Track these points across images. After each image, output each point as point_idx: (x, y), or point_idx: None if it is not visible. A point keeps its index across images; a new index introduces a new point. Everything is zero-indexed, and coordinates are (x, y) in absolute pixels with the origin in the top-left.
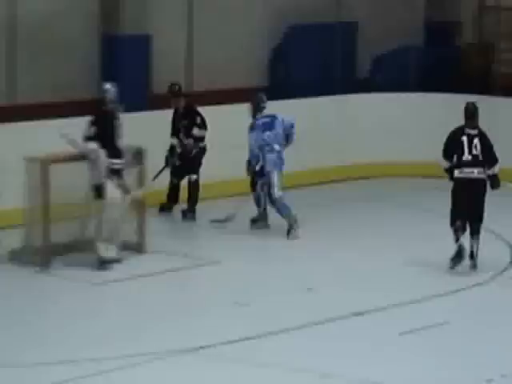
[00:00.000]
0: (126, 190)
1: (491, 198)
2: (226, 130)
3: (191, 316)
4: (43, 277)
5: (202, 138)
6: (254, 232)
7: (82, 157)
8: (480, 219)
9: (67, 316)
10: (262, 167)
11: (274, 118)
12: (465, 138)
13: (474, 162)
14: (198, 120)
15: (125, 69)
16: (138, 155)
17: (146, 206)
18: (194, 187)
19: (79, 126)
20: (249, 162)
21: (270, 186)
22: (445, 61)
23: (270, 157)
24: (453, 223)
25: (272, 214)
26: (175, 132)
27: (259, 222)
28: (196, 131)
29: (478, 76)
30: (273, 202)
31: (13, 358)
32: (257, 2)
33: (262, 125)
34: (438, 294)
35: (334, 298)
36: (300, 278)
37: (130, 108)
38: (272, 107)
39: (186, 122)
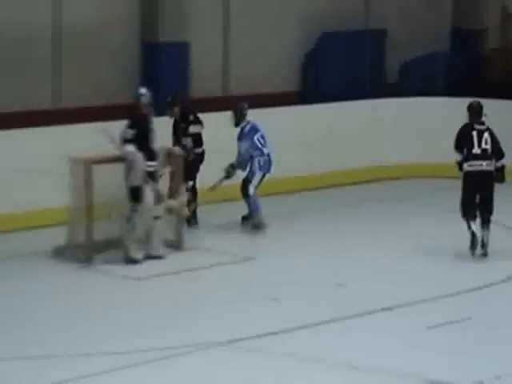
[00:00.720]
0: (160, 197)
1: None
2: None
3: (226, 310)
4: (86, 272)
5: (197, 135)
6: (286, 230)
7: (122, 158)
8: (490, 210)
9: (108, 310)
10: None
11: (252, 121)
12: (475, 133)
13: (483, 156)
14: (191, 117)
15: (164, 74)
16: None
17: (185, 207)
18: (189, 193)
19: (120, 128)
20: (232, 167)
21: (248, 181)
22: (470, 66)
23: (259, 159)
24: (464, 214)
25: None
26: (177, 140)
27: (250, 219)
28: (191, 128)
29: (502, 81)
30: (245, 196)
31: (58, 349)
32: (291, 10)
33: (249, 131)
34: (463, 289)
35: (363, 293)
36: (330, 274)
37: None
38: (304, 111)
39: (184, 125)
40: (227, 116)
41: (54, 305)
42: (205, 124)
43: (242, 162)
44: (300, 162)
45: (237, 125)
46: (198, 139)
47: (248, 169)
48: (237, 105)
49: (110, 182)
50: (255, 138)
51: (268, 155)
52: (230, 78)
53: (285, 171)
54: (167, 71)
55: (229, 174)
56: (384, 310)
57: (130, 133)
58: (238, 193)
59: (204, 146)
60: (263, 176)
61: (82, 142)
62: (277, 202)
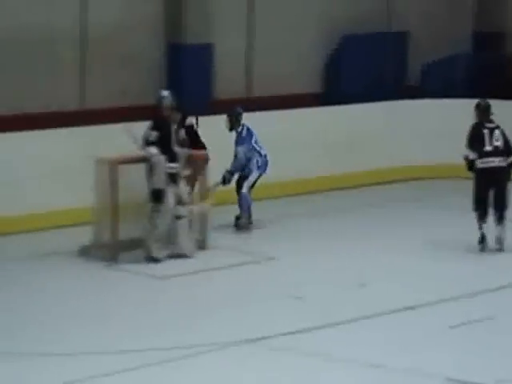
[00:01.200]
0: (181, 198)
1: None
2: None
3: (249, 309)
4: (111, 271)
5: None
6: (309, 230)
7: (146, 158)
8: (504, 205)
9: (131, 308)
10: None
11: (246, 125)
12: (486, 131)
13: (495, 152)
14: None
15: (188, 76)
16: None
17: (210, 206)
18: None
19: (143, 130)
20: (230, 173)
21: (244, 179)
22: (492, 68)
23: (257, 159)
24: (476, 209)
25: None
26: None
27: (242, 219)
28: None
29: None
30: (238, 194)
31: (78, 347)
32: (313, 12)
33: (246, 135)
34: (485, 289)
35: (386, 292)
36: (353, 273)
37: (194, 113)
38: (325, 113)
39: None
40: (250, 117)
41: (79, 303)
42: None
43: (239, 166)
44: (322, 162)
45: (231, 129)
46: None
47: (246, 168)
48: (231, 109)
49: (135, 182)
50: (252, 141)
51: (265, 156)
52: (253, 79)
53: (307, 172)
54: (191, 73)
55: (225, 179)
56: (407, 309)
57: (153, 135)
58: (261, 193)
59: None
60: (259, 176)
61: (107, 142)
62: (300, 203)
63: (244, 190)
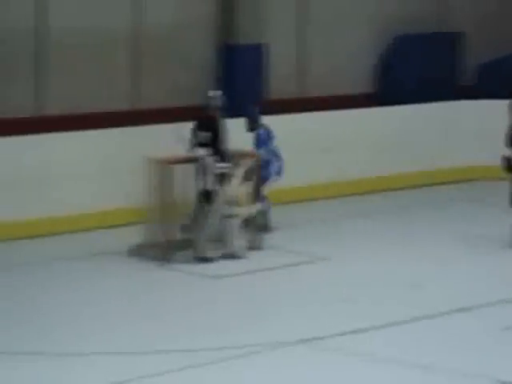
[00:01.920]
0: (231, 201)
1: None
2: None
3: (302, 309)
4: (164, 271)
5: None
6: (362, 230)
7: (197, 159)
8: None
9: (184, 308)
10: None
11: (266, 126)
12: None
13: None
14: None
15: (241, 76)
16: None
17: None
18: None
19: (192, 130)
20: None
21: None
22: None
23: (276, 164)
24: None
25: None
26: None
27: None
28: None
29: None
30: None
31: (131, 346)
32: (366, 12)
33: (266, 137)
34: None
35: (439, 293)
36: (406, 274)
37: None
38: (378, 114)
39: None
40: (303, 117)
41: (131, 302)
42: (281, 125)
43: None
44: (375, 163)
45: (251, 130)
46: None
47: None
48: (250, 109)
49: (186, 182)
50: (273, 144)
51: (283, 161)
52: (306, 79)
53: (361, 172)
54: (243, 73)
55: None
56: (459, 310)
57: (202, 136)
58: (314, 194)
59: None
60: (275, 180)
61: (159, 142)
62: (354, 203)
63: (262, 193)
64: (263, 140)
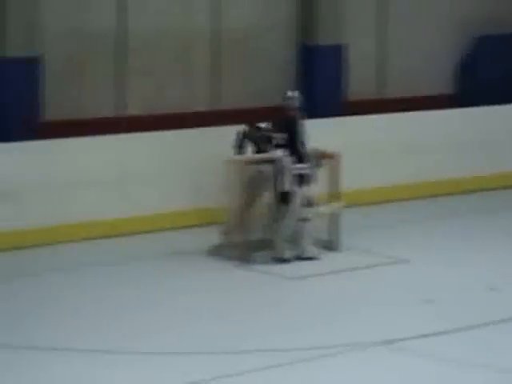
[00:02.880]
0: (309, 200)
1: None
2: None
3: (380, 311)
4: (242, 271)
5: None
6: (441, 232)
7: (274, 160)
8: None
9: (261, 308)
10: None
11: None
12: None
13: None
14: None
15: (320, 77)
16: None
17: (341, 205)
18: None
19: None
20: None
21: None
22: None
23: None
24: None
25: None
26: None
27: None
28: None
29: None
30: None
31: (208, 346)
32: (448, 12)
33: None
34: None
35: None
36: (485, 276)
37: (326, 114)
38: (459, 115)
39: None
40: (382, 119)
41: (210, 302)
42: (360, 126)
43: None
44: (455, 164)
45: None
46: None
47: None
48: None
49: (263, 183)
50: None
51: None
52: (384, 80)
53: (440, 174)
54: (323, 74)
55: None
56: None
57: (279, 137)
58: (393, 195)
59: None
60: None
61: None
62: (433, 204)
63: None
64: None
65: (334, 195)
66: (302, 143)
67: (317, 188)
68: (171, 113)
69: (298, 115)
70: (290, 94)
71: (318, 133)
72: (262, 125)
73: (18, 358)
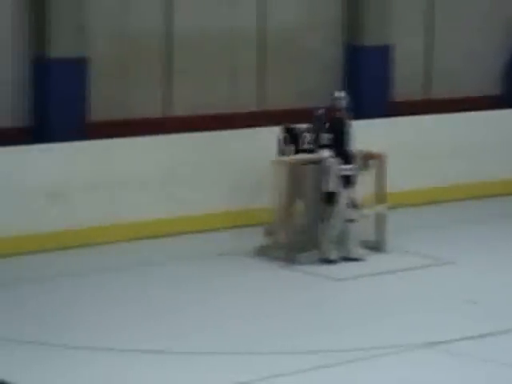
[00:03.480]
0: (354, 202)
1: None
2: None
3: (425, 312)
4: (287, 272)
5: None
6: (486, 234)
7: (320, 161)
8: None
9: (309, 308)
10: None
11: None
12: None
13: None
14: None
15: (366, 77)
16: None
17: (387, 206)
18: None
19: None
20: None
21: None
22: None
23: None
24: None
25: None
26: None
27: None
28: None
29: None
30: None
31: (260, 347)
32: (495, 12)
33: None
34: None
35: None
36: None
37: (372, 115)
38: (507, 116)
39: None
40: (428, 120)
41: (255, 302)
42: (406, 127)
43: None
44: (503, 166)
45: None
46: None
47: None
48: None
49: (310, 184)
50: None
51: None
52: (432, 81)
53: (488, 175)
54: (369, 74)
55: None
56: None
57: (326, 137)
58: (441, 196)
59: None
60: None
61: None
62: (479, 206)
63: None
64: None
65: (380, 196)
66: (349, 144)
67: (362, 189)
68: (217, 113)
69: (345, 115)
70: (337, 94)
71: (364, 133)
72: (298, 126)
73: (70, 356)
